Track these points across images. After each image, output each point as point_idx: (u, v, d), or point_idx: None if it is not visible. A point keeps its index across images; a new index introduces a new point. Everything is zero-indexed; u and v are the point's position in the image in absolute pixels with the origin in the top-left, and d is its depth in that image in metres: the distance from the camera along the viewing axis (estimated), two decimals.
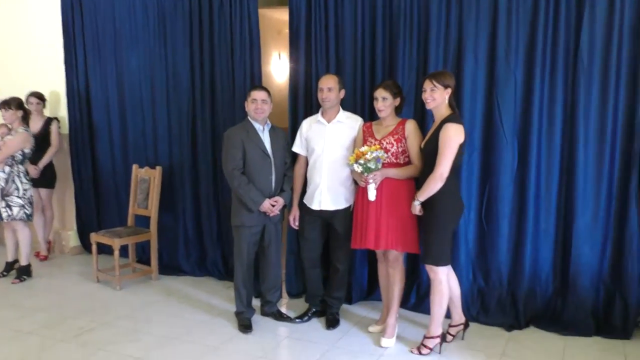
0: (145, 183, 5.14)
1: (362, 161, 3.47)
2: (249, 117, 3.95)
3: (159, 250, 5.16)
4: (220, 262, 5.14)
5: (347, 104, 4.11)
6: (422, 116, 4.03)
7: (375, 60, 4.23)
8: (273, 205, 3.86)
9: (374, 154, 3.45)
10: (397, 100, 3.68)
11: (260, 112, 3.86)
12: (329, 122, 3.90)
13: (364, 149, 3.52)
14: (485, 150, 4.00)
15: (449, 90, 3.36)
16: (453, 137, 3.27)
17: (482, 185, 4.04)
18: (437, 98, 3.36)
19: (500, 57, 3.86)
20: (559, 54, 3.75)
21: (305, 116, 4.28)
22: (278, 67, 4.44)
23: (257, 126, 3.91)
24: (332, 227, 3.96)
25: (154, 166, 5.16)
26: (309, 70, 4.43)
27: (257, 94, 3.87)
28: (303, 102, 4.49)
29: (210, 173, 5.03)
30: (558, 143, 3.82)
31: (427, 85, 3.38)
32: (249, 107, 3.89)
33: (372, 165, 3.45)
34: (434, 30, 4.00)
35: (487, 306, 4.07)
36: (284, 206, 4.01)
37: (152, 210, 5.04)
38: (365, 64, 4.26)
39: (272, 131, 3.99)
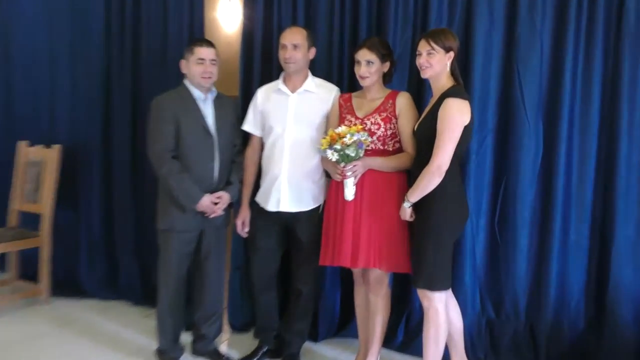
0: (37, 167, 5.04)
1: (338, 146, 3.43)
2: (186, 82, 3.91)
3: (52, 262, 5.06)
4: (138, 280, 5.05)
5: (319, 69, 4.10)
6: (419, 89, 4.02)
7: (358, 11, 4.20)
8: (215, 204, 3.82)
9: (355, 137, 3.42)
10: (386, 66, 3.66)
11: (208, 76, 3.83)
12: (293, 91, 3.86)
13: (342, 129, 3.49)
14: (501, 136, 4.00)
15: (451, 55, 3.37)
16: (455, 116, 3.27)
17: (496, 183, 4.04)
18: (435, 64, 3.36)
19: (523, 14, 3.86)
20: (599, 12, 3.77)
21: (263, 82, 4.22)
22: (226, 13, 4.36)
23: (198, 94, 3.88)
24: (294, 235, 3.93)
25: (50, 145, 5.05)
26: (269, 19, 4.41)
27: (205, 52, 3.83)
28: (260, 64, 4.44)
29: (128, 156, 4.96)
30: (595, 128, 3.85)
31: (423, 47, 3.38)
32: (192, 69, 3.85)
33: (351, 152, 3.43)
34: None
35: (498, 344, 4.05)
36: (230, 204, 3.98)
37: (45, 206, 4.95)
38: (344, 15, 4.25)
39: (218, 101, 3.96)
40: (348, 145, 3.42)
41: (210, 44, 3.89)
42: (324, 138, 3.55)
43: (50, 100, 5.23)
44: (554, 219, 3.89)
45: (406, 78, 4.08)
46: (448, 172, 3.29)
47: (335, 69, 4.26)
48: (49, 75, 5.21)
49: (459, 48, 3.45)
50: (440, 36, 3.36)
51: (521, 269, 4.00)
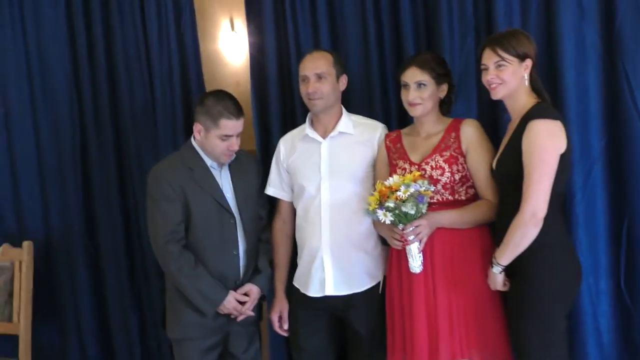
0: (6, 274, 5.15)
1: (391, 204, 3.55)
2: (194, 144, 4.07)
3: None
4: None
5: (356, 105, 4.26)
6: (493, 116, 4.14)
7: (400, 21, 4.37)
8: (242, 303, 3.97)
9: (412, 189, 3.53)
10: (443, 90, 3.82)
11: (232, 154, 4.02)
12: (324, 136, 4.04)
13: (393, 180, 3.61)
14: (614, 163, 4.07)
15: (529, 63, 3.48)
16: (546, 143, 3.36)
17: (616, 226, 4.09)
18: (508, 79, 3.47)
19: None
20: None
21: (285, 126, 4.48)
22: (231, 44, 4.58)
23: (209, 161, 4.05)
24: (350, 326, 4.04)
25: (19, 242, 5.13)
26: (284, 45, 4.63)
27: (233, 126, 3.95)
28: (278, 103, 4.65)
29: (121, 242, 5.19)
30: None
31: (489, 58, 3.51)
32: (213, 143, 3.98)
33: (409, 209, 3.53)
34: None
35: None
36: (262, 297, 4.14)
37: (22, 324, 5.01)
38: (382, 29, 4.43)
39: (236, 164, 4.13)
40: (404, 201, 3.51)
41: (240, 112, 3.98)
42: (372, 195, 3.64)
43: (12, 185, 5.37)
44: None
45: (474, 103, 4.20)
46: (547, 218, 3.33)
47: (378, 101, 4.41)
48: (6, 149, 5.35)
49: (538, 53, 3.55)
50: (509, 40, 3.46)
51: None
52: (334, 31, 4.54)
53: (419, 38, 4.36)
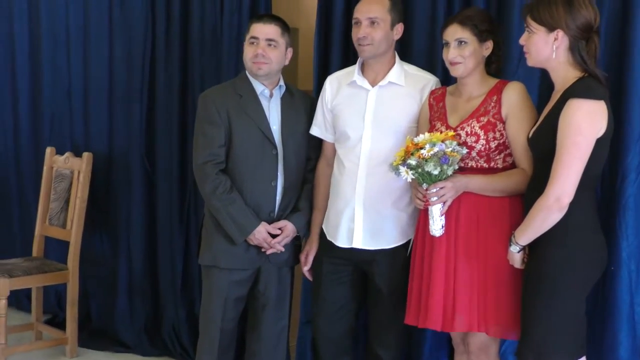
0: (65, 181, 5.15)
1: (412, 161, 3.24)
2: (246, 72, 3.89)
3: (82, 304, 5.17)
4: (186, 331, 5.04)
5: (417, 55, 3.96)
6: (543, 84, 3.69)
7: None
8: (274, 236, 3.76)
9: (437, 148, 3.21)
10: (487, 47, 3.43)
11: (261, 62, 3.74)
12: (373, 84, 3.69)
13: (422, 137, 3.30)
14: None
15: (559, 35, 3.06)
16: (581, 125, 2.98)
17: None
18: (531, 49, 3.16)
19: None
20: None
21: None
22: None
23: (259, 88, 3.83)
24: (373, 283, 3.77)
25: (81, 153, 5.16)
26: None
27: (260, 29, 3.76)
28: (341, 43, 4.31)
29: (177, 166, 5.01)
30: None
31: (526, 23, 3.19)
32: (246, 51, 3.82)
33: (432, 168, 3.22)
34: None
35: None
36: (297, 237, 3.92)
37: (73, 231, 5.02)
38: None
39: (288, 99, 3.91)
40: (427, 160, 3.21)
41: (271, 19, 3.83)
42: (399, 150, 3.38)
43: (83, 98, 5.34)
44: None
45: (533, 71, 3.68)
46: (573, 203, 3.02)
47: (439, 56, 3.82)
48: (82, 63, 5.31)
49: (592, 21, 3.07)
50: (540, 8, 3.11)
51: None
52: None
53: None
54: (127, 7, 5.12)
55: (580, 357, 3.21)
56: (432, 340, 4.12)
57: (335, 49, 4.33)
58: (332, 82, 3.86)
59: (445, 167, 3.21)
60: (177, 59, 4.95)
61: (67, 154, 5.15)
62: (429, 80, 3.72)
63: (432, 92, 3.64)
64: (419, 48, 4.04)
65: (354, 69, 3.77)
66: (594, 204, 3.26)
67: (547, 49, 3.09)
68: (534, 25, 3.10)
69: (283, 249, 3.81)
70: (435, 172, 3.21)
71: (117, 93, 5.19)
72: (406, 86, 3.68)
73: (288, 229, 3.80)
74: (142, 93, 5.10)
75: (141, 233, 5.18)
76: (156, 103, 5.06)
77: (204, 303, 3.93)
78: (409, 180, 3.29)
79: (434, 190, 3.26)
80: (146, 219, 5.18)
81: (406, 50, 3.90)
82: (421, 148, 3.22)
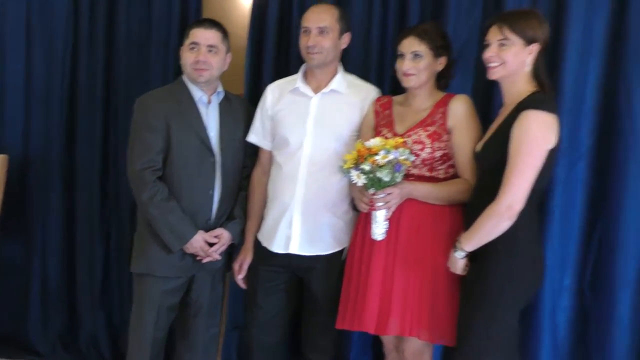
0: None
1: (366, 166, 3.24)
2: (184, 78, 3.81)
3: None
4: (104, 338, 4.91)
5: (352, 66, 3.96)
6: (488, 96, 3.83)
7: None
8: (211, 245, 3.70)
9: (391, 156, 3.22)
10: (441, 62, 3.48)
11: (202, 68, 3.69)
12: (316, 91, 3.70)
13: (374, 142, 3.29)
14: (599, 162, 3.81)
15: (535, 48, 3.14)
16: (536, 136, 3.05)
17: (589, 227, 3.84)
18: (509, 60, 3.14)
19: None
20: None
21: (277, 75, 4.16)
22: None
23: (197, 94, 3.76)
24: (308, 289, 3.79)
25: None
26: None
27: (200, 35, 3.71)
28: (272, 52, 4.32)
29: (97, 171, 4.83)
30: None
31: (494, 35, 3.17)
32: (184, 57, 3.77)
33: (384, 175, 3.23)
34: None
35: None
36: (232, 246, 3.86)
37: None
38: None
39: (226, 105, 3.87)
40: (380, 167, 3.22)
41: (212, 24, 3.78)
42: (350, 153, 3.36)
43: None
44: None
45: (471, 81, 3.91)
46: (521, 212, 3.06)
47: (374, 65, 4.09)
48: None
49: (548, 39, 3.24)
50: (519, 20, 3.13)
51: (620, 345, 3.78)
52: None
53: (426, 4, 4.07)
54: (48, 8, 4.87)
55: None
56: (357, 346, 4.19)
57: (267, 56, 4.31)
58: (274, 90, 3.85)
59: (396, 174, 3.24)
60: (101, 60, 4.77)
61: None
62: (371, 91, 3.75)
63: (377, 100, 3.68)
64: (355, 62, 4.07)
65: (297, 77, 3.79)
66: (536, 219, 3.34)
67: (519, 61, 3.13)
68: (512, 37, 3.10)
69: (220, 257, 3.78)
70: (386, 179, 3.23)
71: (35, 94, 4.92)
72: (348, 95, 3.70)
73: (224, 237, 3.76)
74: (62, 96, 4.88)
75: (58, 239, 4.96)
76: (78, 106, 4.83)
77: (135, 311, 3.82)
78: (360, 184, 3.29)
79: (382, 195, 3.29)
80: (64, 225, 4.95)
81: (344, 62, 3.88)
82: (375, 154, 3.23)
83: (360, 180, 3.27)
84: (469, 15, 3.92)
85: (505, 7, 3.76)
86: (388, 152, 3.22)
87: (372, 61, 4.12)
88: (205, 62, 3.68)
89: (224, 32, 3.81)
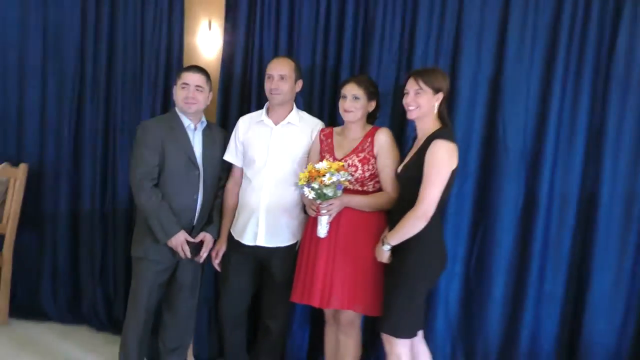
0: (2, 186, 5.27)
1: (315, 185, 3.64)
2: (177, 109, 4.13)
3: (12, 283, 5.34)
4: (102, 306, 5.31)
5: (299, 100, 4.38)
6: (401, 129, 4.28)
7: (342, 47, 4.48)
8: (189, 244, 4.04)
9: (334, 178, 3.63)
10: (372, 105, 3.91)
11: (191, 102, 4.03)
12: (276, 123, 4.10)
13: (322, 165, 3.68)
14: (482, 180, 4.29)
15: (440, 96, 3.55)
16: (444, 159, 3.44)
17: (474, 227, 4.34)
18: (423, 105, 3.53)
19: (510, 57, 4.17)
20: (587, 58, 4.09)
21: (242, 111, 4.54)
22: (206, 39, 4.75)
23: (187, 122, 4.09)
24: (269, 271, 4.15)
25: (17, 163, 5.33)
26: (250, 45, 4.69)
27: (190, 77, 4.05)
28: (238, 92, 4.73)
29: (98, 180, 5.26)
30: (578, 176, 4.16)
31: (411, 85, 3.56)
32: (177, 93, 4.07)
33: (329, 192, 3.65)
34: (424, 13, 4.27)
35: None
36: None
37: (9, 226, 5.24)
38: (328, 47, 4.53)
39: (208, 132, 4.18)
40: (327, 186, 3.60)
41: (199, 70, 4.11)
42: (304, 172, 3.72)
43: (18, 118, 5.43)
44: (530, 268, 4.18)
45: (388, 117, 4.32)
46: (431, 218, 3.45)
47: (317, 101, 4.52)
48: (18, 91, 5.40)
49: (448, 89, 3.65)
50: (430, 76, 3.53)
51: (494, 317, 4.26)
52: (291, 40, 4.63)
53: (355, 60, 4.48)
54: (60, 47, 5.28)
55: (420, 329, 3.71)
56: (299, 318, 4.58)
57: (234, 96, 4.73)
58: (244, 122, 4.19)
59: (338, 192, 3.64)
60: (103, 92, 5.16)
61: (4, 164, 5.25)
62: (317, 124, 4.14)
63: (322, 131, 4.03)
64: (301, 98, 4.44)
65: (261, 112, 4.13)
66: (441, 222, 3.74)
67: (429, 105, 3.53)
68: (425, 87, 3.49)
69: (204, 258, 4.13)
70: (330, 194, 3.63)
71: (49, 117, 5.33)
72: (300, 126, 4.08)
73: (208, 238, 4.08)
74: (70, 120, 5.28)
75: (65, 231, 5.36)
76: (83, 127, 5.25)
77: (133, 287, 4.10)
78: (310, 197, 3.66)
79: (326, 205, 3.69)
80: (70, 220, 5.36)
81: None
82: (323, 175, 3.58)
83: (310, 194, 3.65)
84: (387, 70, 4.33)
85: (414, 65, 4.19)
86: (332, 174, 3.58)
87: (314, 99, 4.53)
88: (194, 97, 4.00)
89: (208, 76, 4.12)
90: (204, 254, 4.08)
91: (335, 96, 4.31)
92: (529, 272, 4.22)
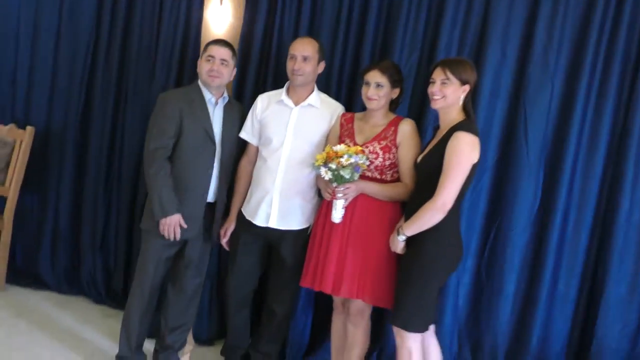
0: (7, 148, 5.23)
1: (333, 165, 3.58)
2: (199, 82, 4.08)
3: (11, 247, 5.30)
4: (101, 278, 5.26)
5: (317, 83, 4.27)
6: (419, 118, 4.21)
7: (364, 28, 4.42)
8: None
9: (352, 159, 3.56)
10: (396, 92, 3.84)
11: (215, 75, 3.97)
12: (296, 104, 4.02)
13: (340, 147, 3.64)
14: (499, 176, 4.24)
15: (467, 88, 3.50)
16: (465, 151, 3.39)
17: (488, 224, 4.28)
18: (449, 95, 3.47)
19: (537, 52, 4.10)
20: (616, 59, 4.04)
21: (257, 89, 4.47)
22: (217, 14, 4.59)
23: (209, 96, 4.04)
24: (278, 254, 4.09)
25: (24, 126, 5.27)
26: (270, 24, 4.63)
27: (216, 50, 3.99)
28: (255, 70, 4.66)
29: (105, 148, 5.19)
30: (597, 180, 4.11)
31: (438, 75, 3.50)
32: (201, 65, 4.02)
33: (346, 174, 3.57)
34: (451, 4, 4.22)
35: None
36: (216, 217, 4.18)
37: (11, 188, 5.18)
38: (350, 31, 4.46)
39: (229, 108, 4.13)
40: (344, 167, 3.54)
41: (225, 44, 4.04)
42: (321, 153, 3.68)
43: (28, 80, 5.37)
44: (545, 268, 4.12)
45: (406, 105, 4.25)
46: (449, 211, 3.39)
47: (335, 85, 4.44)
48: (30, 53, 5.33)
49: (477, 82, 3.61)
50: (458, 66, 3.48)
51: (504, 315, 4.22)
52: (312, 23, 4.56)
53: (376, 44, 4.42)
54: (76, 10, 5.21)
55: (432, 324, 3.66)
56: (303, 300, 4.50)
57: (250, 73, 4.65)
58: (263, 99, 4.11)
59: (355, 174, 3.55)
60: (116, 61, 5.09)
61: (11, 125, 5.20)
62: (338, 107, 4.07)
63: (343, 115, 3.97)
64: (319, 80, 4.23)
65: (282, 91, 4.06)
66: (458, 215, 3.66)
67: (455, 97, 3.47)
68: (452, 78, 3.43)
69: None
70: (347, 177, 3.54)
71: (59, 79, 5.26)
72: (320, 109, 4.01)
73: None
74: (81, 84, 5.20)
75: (68, 196, 5.30)
76: (93, 95, 5.18)
77: (140, 259, 4.05)
78: (327, 178, 3.60)
79: (342, 188, 3.61)
80: (75, 186, 5.30)
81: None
82: (340, 157, 3.54)
83: (327, 175, 3.57)
84: (410, 56, 4.26)
85: (437, 54, 4.16)
86: (350, 156, 3.52)
87: (332, 82, 4.45)
88: (218, 71, 3.93)
89: (234, 51, 4.06)
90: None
91: (353, 80, 4.31)
92: (542, 272, 4.17)
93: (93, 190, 5.23)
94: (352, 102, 4.32)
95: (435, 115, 3.78)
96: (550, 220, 4.15)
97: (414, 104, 4.29)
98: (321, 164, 3.63)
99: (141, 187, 4.82)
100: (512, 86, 4.20)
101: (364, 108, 3.96)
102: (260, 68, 4.65)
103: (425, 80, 3.90)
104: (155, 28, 4.98)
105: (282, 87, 4.16)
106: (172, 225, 3.89)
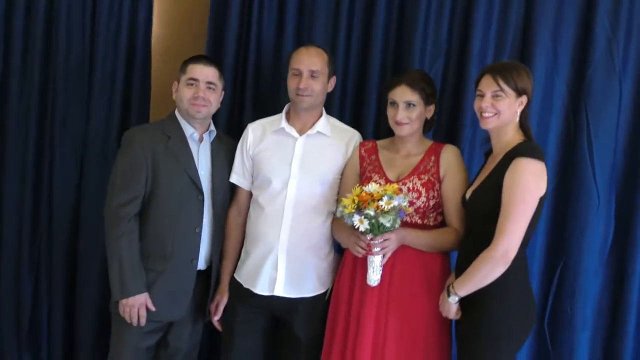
0: None
1: (371, 211, 3.02)
2: (177, 113, 3.57)
3: None
4: None
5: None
6: (447, 138, 3.77)
7: (370, 37, 3.91)
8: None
9: (395, 202, 3.03)
10: (430, 110, 3.37)
11: (201, 104, 3.45)
12: (301, 132, 3.50)
13: (374, 188, 3.09)
14: (559, 209, 3.79)
15: (525, 100, 3.06)
16: (529, 183, 2.95)
17: (549, 269, 3.83)
18: (503, 111, 3.03)
19: (598, 51, 3.67)
20: None
21: (231, 116, 4.03)
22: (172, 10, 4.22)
23: (189, 130, 3.53)
24: (289, 331, 3.54)
25: None
26: (243, 30, 4.03)
27: (200, 71, 3.48)
28: (229, 91, 4.00)
29: (29, 207, 4.26)
30: None
31: (488, 86, 3.06)
32: (181, 92, 3.52)
33: (387, 221, 3.03)
34: None
35: None
36: (208, 287, 3.64)
37: None
38: (352, 33, 3.94)
39: (218, 144, 3.65)
40: (386, 212, 3.02)
41: (210, 61, 3.57)
42: (349, 197, 3.15)
43: None
44: (627, 321, 3.70)
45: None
46: (514, 259, 2.94)
47: (337, 105, 3.93)
48: None
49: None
50: (512, 73, 3.04)
51: None
52: (299, 32, 4.02)
53: (387, 54, 3.92)
54: None
55: None
56: None
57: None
58: (255, 130, 3.63)
59: (398, 220, 3.09)
60: (37, 84, 4.16)
61: None
62: (354, 134, 3.61)
63: (362, 144, 3.53)
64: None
65: (279, 117, 3.59)
66: (526, 262, 3.21)
67: (512, 112, 3.05)
68: (507, 89, 3.02)
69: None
70: (388, 225, 3.06)
71: None
72: (332, 137, 3.54)
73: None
74: None
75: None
76: (5, 134, 4.22)
77: (113, 351, 3.56)
78: (362, 229, 3.07)
79: (380, 241, 3.12)
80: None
81: None
82: (378, 199, 3.05)
83: (363, 225, 3.07)
84: (434, 61, 3.83)
85: (470, 58, 3.73)
86: (391, 198, 3.05)
87: (334, 102, 3.90)
88: (204, 98, 3.46)
89: (221, 70, 3.61)
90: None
91: (359, 97, 3.91)
92: (624, 327, 3.72)
93: (14, 262, 4.28)
94: (358, 124, 3.84)
95: (481, 136, 3.54)
96: (628, 259, 3.73)
97: (441, 124, 3.80)
98: (353, 210, 3.09)
99: (83, 259, 4.17)
100: (568, 96, 3.76)
101: (376, 135, 3.70)
102: (234, 88, 4.06)
103: (454, 92, 3.67)
104: (87, 37, 4.19)
105: (264, 110, 3.81)
106: (136, 307, 3.38)
